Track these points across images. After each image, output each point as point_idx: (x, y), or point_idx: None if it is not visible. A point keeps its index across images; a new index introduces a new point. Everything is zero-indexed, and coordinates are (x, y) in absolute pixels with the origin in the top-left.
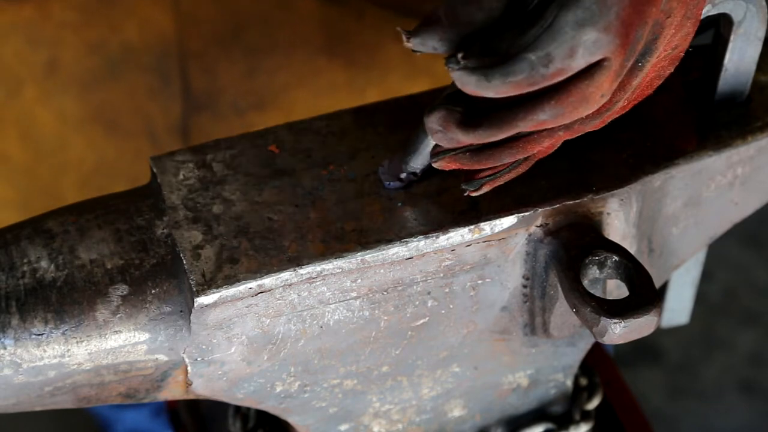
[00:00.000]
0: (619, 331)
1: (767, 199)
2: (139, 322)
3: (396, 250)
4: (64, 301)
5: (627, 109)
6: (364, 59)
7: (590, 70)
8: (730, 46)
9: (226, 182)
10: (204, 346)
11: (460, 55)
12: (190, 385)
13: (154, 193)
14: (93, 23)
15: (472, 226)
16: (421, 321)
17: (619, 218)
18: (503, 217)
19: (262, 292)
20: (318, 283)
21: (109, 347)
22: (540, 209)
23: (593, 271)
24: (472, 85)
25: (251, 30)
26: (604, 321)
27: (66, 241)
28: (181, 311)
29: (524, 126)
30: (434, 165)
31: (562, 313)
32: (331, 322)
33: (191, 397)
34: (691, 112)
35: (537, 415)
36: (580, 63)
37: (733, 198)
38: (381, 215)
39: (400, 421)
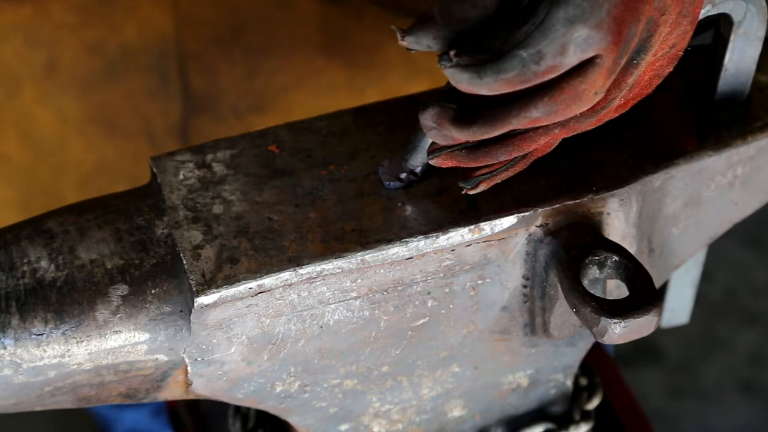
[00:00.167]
0: (619, 331)
1: (767, 199)
2: (139, 322)
3: (396, 250)
4: (64, 301)
5: (626, 109)
6: (364, 59)
7: (583, 67)
8: (730, 46)
9: (226, 182)
10: (204, 346)
11: (452, 53)
12: (190, 385)
13: (154, 193)
14: (92, 24)
15: (472, 226)
16: (421, 321)
17: (619, 218)
18: (503, 217)
19: (262, 292)
20: (318, 283)
21: (109, 347)
22: (540, 209)
23: (593, 271)
24: (464, 82)
25: (251, 30)
26: (604, 321)
27: (66, 241)
28: (181, 311)
29: (518, 123)
30: (431, 162)
31: (562, 313)
32: (331, 322)
33: (191, 397)
34: (691, 112)
35: (537, 415)
36: (571, 60)
37: (733, 198)
38: (381, 215)
39: (400, 421)
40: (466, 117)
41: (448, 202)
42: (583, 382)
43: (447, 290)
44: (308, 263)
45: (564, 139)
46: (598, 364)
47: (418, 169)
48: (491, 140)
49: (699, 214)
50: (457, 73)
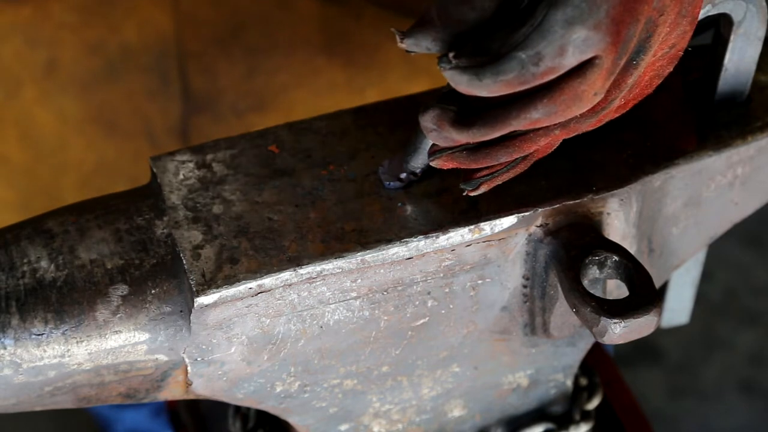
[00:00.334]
0: (619, 331)
1: (767, 199)
2: (139, 322)
3: (396, 250)
4: (64, 301)
5: (626, 109)
6: (364, 59)
7: (582, 68)
8: (730, 46)
9: (226, 182)
10: (204, 346)
11: (451, 55)
12: (190, 385)
13: (154, 193)
14: (92, 24)
15: (472, 226)
16: (421, 321)
17: (619, 218)
18: (503, 217)
19: (262, 292)
20: (318, 283)
21: (109, 347)
22: (540, 209)
23: (593, 271)
24: (464, 84)
25: (250, 30)
26: (604, 321)
27: (66, 241)
28: (181, 311)
29: (518, 124)
30: (432, 164)
31: (562, 313)
32: (331, 322)
33: (191, 397)
34: (691, 112)
35: (537, 415)
36: (570, 61)
37: (733, 198)
38: (381, 215)
39: (400, 421)
40: (466, 119)
41: (448, 202)
42: (583, 382)
43: (447, 290)
44: (308, 263)
45: (564, 140)
46: (598, 364)
47: (418, 170)
48: (492, 141)
49: (699, 214)
50: (456, 75)
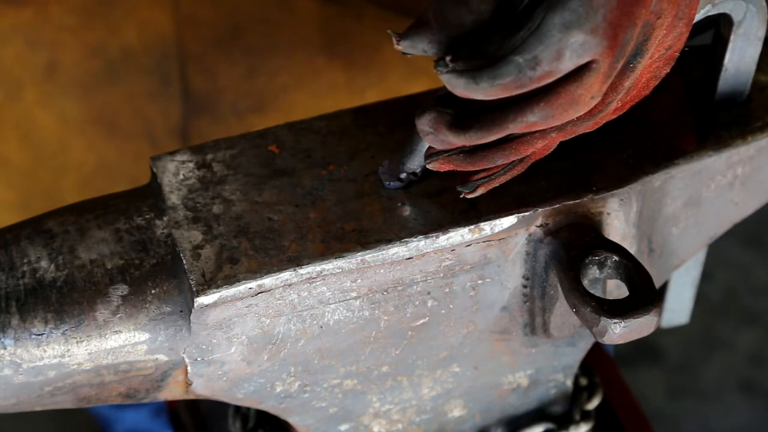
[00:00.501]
0: (619, 331)
1: (767, 199)
2: (139, 322)
3: (396, 250)
4: (64, 301)
5: (624, 111)
6: (364, 60)
7: (579, 72)
8: (730, 46)
9: (226, 182)
10: (204, 346)
11: (448, 58)
12: (190, 385)
13: (154, 193)
14: (93, 26)
15: (472, 226)
16: (421, 321)
17: (619, 218)
18: (503, 217)
19: (262, 292)
20: (318, 283)
21: (109, 347)
22: (540, 209)
23: (593, 271)
24: (460, 87)
25: (250, 31)
26: (604, 321)
27: (66, 241)
28: (181, 311)
29: (514, 128)
30: (428, 167)
31: (562, 313)
32: (331, 322)
33: (191, 397)
34: (691, 112)
35: (537, 415)
36: (567, 65)
37: (733, 198)
38: (381, 215)
39: (400, 421)
40: (463, 122)
41: (448, 202)
42: (583, 382)
43: (447, 290)
44: (308, 263)
45: (564, 141)
46: (598, 364)
47: (418, 170)
48: (488, 144)
49: (699, 214)
50: (453, 78)
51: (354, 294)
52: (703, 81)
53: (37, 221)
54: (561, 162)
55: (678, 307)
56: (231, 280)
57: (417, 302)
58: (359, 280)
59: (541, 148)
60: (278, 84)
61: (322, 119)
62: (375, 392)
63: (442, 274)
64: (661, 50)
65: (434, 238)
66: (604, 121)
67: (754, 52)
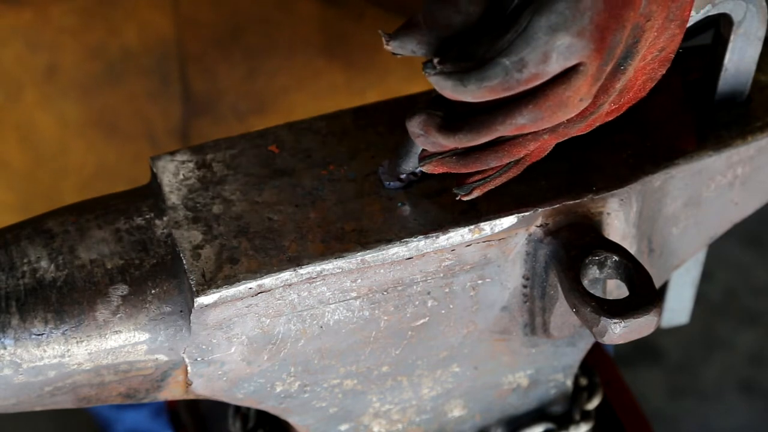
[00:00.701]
0: (619, 331)
1: (767, 199)
2: (139, 322)
3: (396, 250)
4: (64, 301)
5: (620, 112)
6: (364, 61)
7: (567, 74)
8: (730, 46)
9: (226, 182)
10: (204, 346)
11: (436, 60)
12: (190, 385)
13: (154, 193)
14: (92, 27)
15: (472, 226)
16: (421, 321)
17: (619, 218)
18: (503, 217)
19: (262, 292)
20: (318, 283)
21: (109, 347)
22: (540, 209)
23: (593, 271)
24: (448, 89)
25: (250, 32)
26: (604, 321)
27: (66, 241)
28: (181, 311)
29: (504, 130)
30: (422, 169)
31: (562, 313)
32: (331, 322)
33: (191, 397)
34: (691, 112)
35: (537, 415)
36: (554, 68)
37: (733, 198)
38: (381, 215)
39: (400, 421)
40: (453, 124)
41: (448, 202)
42: (583, 382)
43: (447, 290)
44: (308, 263)
45: (563, 141)
46: (598, 364)
47: (417, 170)
48: (481, 146)
49: (699, 214)
50: (441, 80)
51: (354, 294)
52: (703, 81)
53: (37, 221)
54: (561, 162)
55: (678, 307)
56: (231, 280)
57: (417, 302)
58: (359, 280)
59: (536, 150)
60: (278, 85)
61: (322, 119)
62: (375, 392)
63: (442, 274)
64: (653, 52)
65: (434, 238)
66: (597, 123)
67: (754, 52)
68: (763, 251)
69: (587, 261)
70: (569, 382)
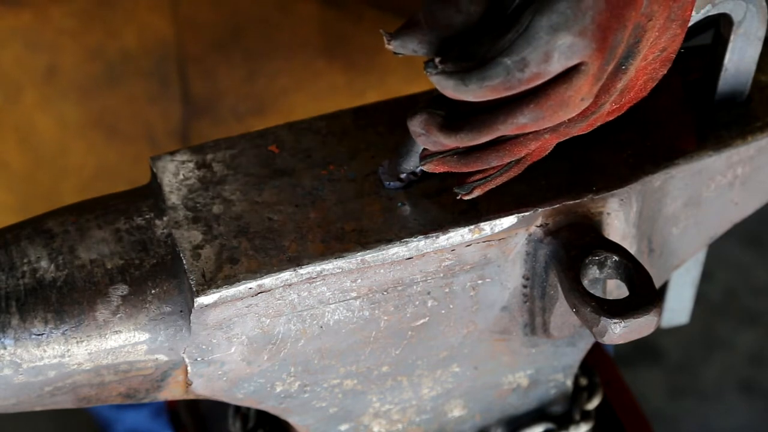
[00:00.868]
0: (619, 331)
1: (767, 199)
2: (139, 322)
3: (396, 250)
4: (64, 301)
5: (621, 112)
6: (364, 62)
7: (568, 74)
8: (730, 46)
9: (226, 182)
10: (204, 346)
11: (437, 60)
12: (190, 385)
13: (154, 193)
14: (92, 29)
15: (472, 226)
16: (421, 321)
17: (619, 218)
18: (503, 217)
19: (262, 292)
20: (318, 283)
21: (109, 347)
22: (540, 209)
23: (593, 271)
24: (450, 89)
25: (250, 33)
26: (604, 321)
27: (66, 241)
28: (181, 311)
29: (505, 129)
30: (423, 168)
31: (562, 313)
32: (331, 322)
33: (191, 397)
34: (691, 112)
35: (537, 415)
36: (556, 67)
37: (733, 198)
38: (381, 215)
39: (400, 421)
40: (454, 123)
41: (448, 202)
42: (583, 382)
43: (447, 290)
44: (308, 263)
45: (563, 141)
46: (598, 364)
47: (418, 170)
48: (482, 146)
49: (699, 214)
50: (442, 80)
51: (354, 294)
52: (703, 81)
53: (37, 221)
54: (561, 162)
55: (678, 307)
56: (231, 280)
57: (417, 302)
58: (359, 280)
59: (537, 149)
60: (278, 86)
61: (322, 119)
62: (375, 392)
63: (442, 274)
64: (655, 52)
65: (434, 238)
66: (598, 123)
67: (754, 52)
68: (763, 251)
69: (587, 261)
70: (569, 382)
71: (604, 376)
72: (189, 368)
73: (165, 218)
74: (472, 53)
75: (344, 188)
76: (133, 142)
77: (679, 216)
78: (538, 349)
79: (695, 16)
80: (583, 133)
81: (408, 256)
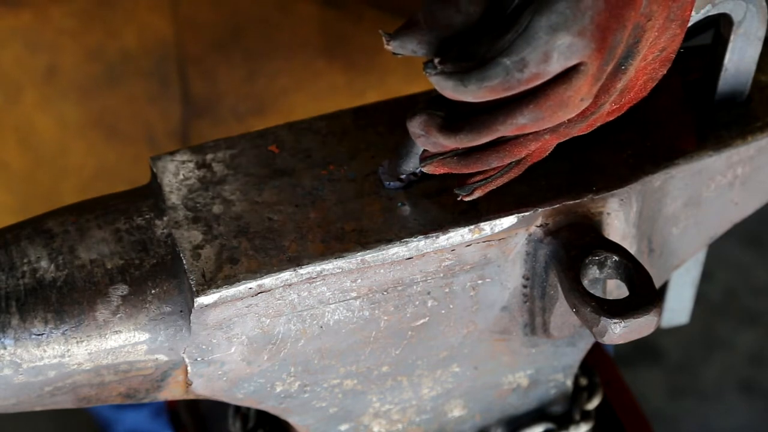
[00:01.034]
0: (619, 331)
1: (767, 199)
2: (139, 322)
3: (396, 250)
4: (64, 301)
5: (621, 112)
6: (364, 62)
7: (567, 74)
8: (730, 46)
9: (226, 182)
10: (204, 346)
11: (436, 60)
12: (190, 385)
13: (154, 193)
14: (92, 29)
15: (472, 226)
16: (421, 321)
17: (619, 218)
18: (503, 217)
19: (262, 292)
20: (318, 283)
21: (109, 347)
22: (540, 209)
23: (593, 271)
24: (449, 89)
25: (250, 34)
26: (604, 321)
27: (66, 241)
28: (181, 311)
29: (505, 130)
30: (423, 170)
31: (562, 313)
32: (331, 322)
33: (191, 397)
34: (691, 112)
35: (537, 415)
36: (555, 68)
37: (733, 198)
38: (381, 215)
39: (400, 421)
40: (454, 124)
41: (448, 202)
42: (583, 382)
43: (447, 290)
44: (308, 263)
45: (564, 141)
46: (598, 364)
47: (417, 170)
48: (482, 146)
49: (699, 214)
50: (441, 80)
51: (354, 294)
52: (703, 81)
53: (37, 221)
54: (561, 162)
55: (678, 307)
56: (231, 280)
57: (417, 302)
58: (359, 280)
59: (537, 150)
60: (278, 86)
61: (322, 119)
62: (375, 392)
63: (442, 274)
64: (654, 52)
65: (434, 238)
66: (598, 123)
67: (754, 52)
68: (763, 251)
69: (587, 261)
70: (569, 382)
71: (604, 376)
72: (189, 368)
73: (165, 218)
74: (472, 53)
75: (344, 188)
76: (132, 143)
77: (679, 216)
78: (538, 349)
79: (695, 16)
80: (583, 133)
81: (408, 256)
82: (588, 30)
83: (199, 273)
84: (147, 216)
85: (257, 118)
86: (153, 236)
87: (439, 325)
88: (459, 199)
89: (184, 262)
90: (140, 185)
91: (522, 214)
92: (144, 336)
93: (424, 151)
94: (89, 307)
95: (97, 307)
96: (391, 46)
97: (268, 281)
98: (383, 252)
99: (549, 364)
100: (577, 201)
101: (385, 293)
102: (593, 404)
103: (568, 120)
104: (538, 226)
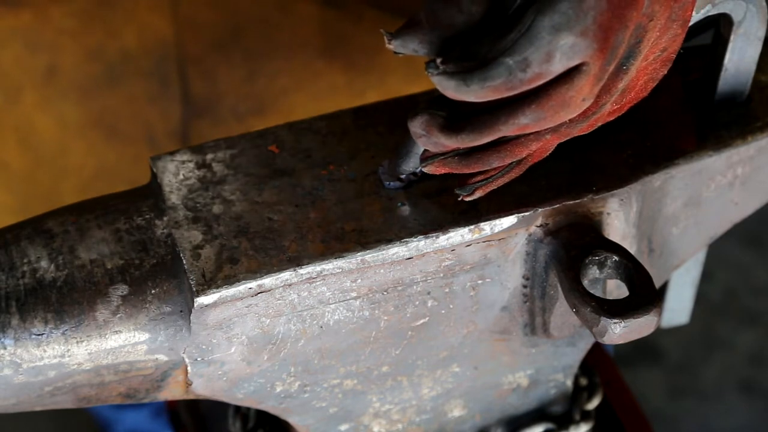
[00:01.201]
0: (619, 331)
1: (767, 199)
2: (139, 322)
3: (396, 250)
4: (64, 301)
5: (622, 112)
6: (364, 62)
7: (570, 74)
8: (730, 46)
9: (226, 182)
10: (204, 346)
11: (438, 60)
12: (190, 385)
13: (154, 193)
14: (92, 29)
15: (472, 226)
16: (421, 321)
17: (619, 218)
18: (503, 217)
19: (262, 292)
20: (318, 283)
21: (109, 347)
22: (540, 209)
23: (593, 271)
24: (451, 89)
25: (250, 34)
26: (604, 321)
27: (66, 241)
28: (181, 311)
29: (506, 130)
30: (424, 170)
31: (562, 313)
32: (331, 322)
33: (191, 397)
34: (691, 112)
35: (537, 415)
36: (557, 68)
37: (733, 198)
38: (381, 215)
39: (400, 421)
40: (455, 124)
41: (448, 202)
42: (583, 382)
43: (447, 290)
44: (308, 263)
45: (564, 141)
46: (598, 364)
47: (418, 170)
48: (483, 147)
49: (699, 214)
50: (443, 80)
51: (354, 294)
52: (703, 81)
53: (37, 221)
54: (561, 162)
55: (678, 307)
56: (231, 280)
57: (417, 302)
58: (359, 280)
59: (538, 150)
60: (278, 86)
61: (322, 119)
62: (375, 392)
63: (442, 274)
64: (655, 52)
65: (434, 238)
66: (599, 123)
67: (754, 52)
68: (763, 251)
69: (587, 261)
70: (569, 382)
71: (604, 376)
72: (189, 368)
73: (165, 218)
74: (474, 53)
75: (344, 188)
76: (132, 143)
77: (679, 216)
78: (538, 349)
79: (695, 16)
80: (584, 133)
81: (408, 256)
82: (590, 30)
83: (199, 273)
84: (147, 216)
85: (257, 118)
86: (153, 236)
87: (439, 325)
88: (460, 199)
89: (184, 262)
90: (140, 185)
91: (522, 214)
92: (144, 336)
93: (425, 151)
94: (89, 307)
95: (97, 307)
96: (392, 46)
97: (268, 281)
98: (383, 252)
99: (549, 364)
100: (577, 201)
101: (385, 293)
102: (593, 404)
103: (569, 120)
104: (538, 226)
